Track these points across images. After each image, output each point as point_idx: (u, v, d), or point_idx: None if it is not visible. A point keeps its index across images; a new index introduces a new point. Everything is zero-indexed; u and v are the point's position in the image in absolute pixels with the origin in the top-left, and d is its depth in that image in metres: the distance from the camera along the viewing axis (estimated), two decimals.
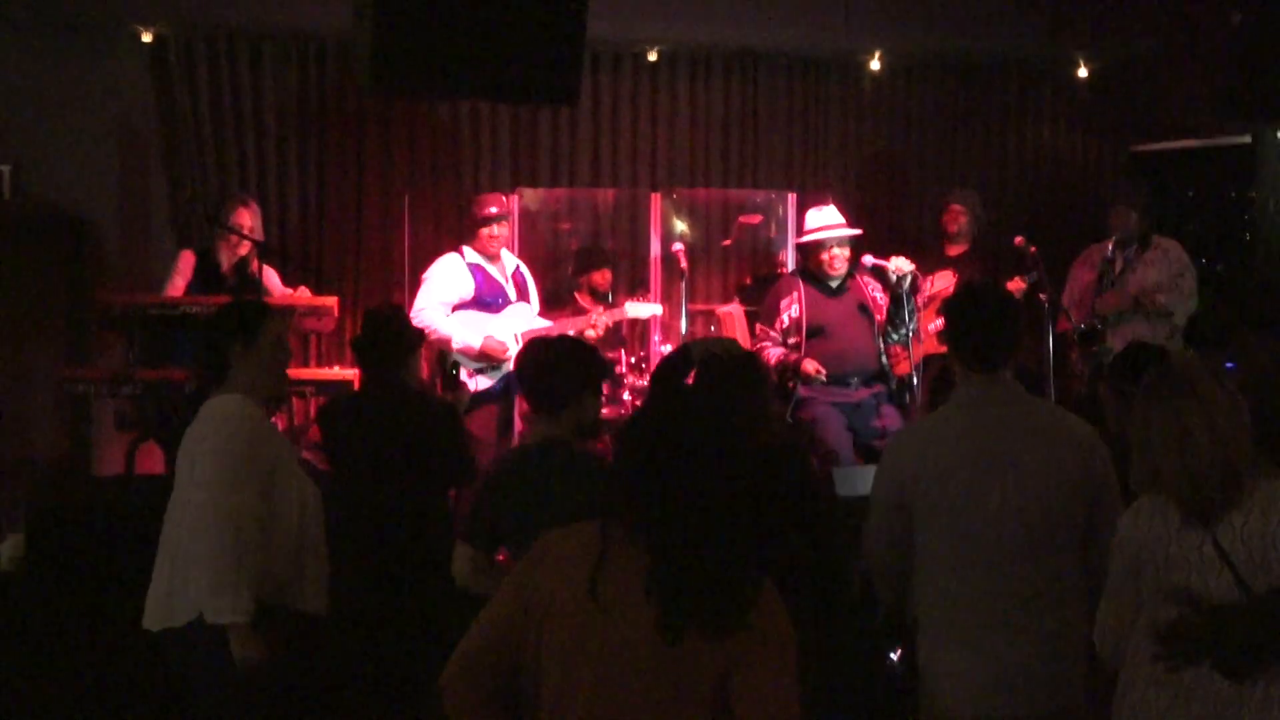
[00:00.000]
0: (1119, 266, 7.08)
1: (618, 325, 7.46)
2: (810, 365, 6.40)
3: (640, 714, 2.37)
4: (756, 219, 8.09)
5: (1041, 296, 6.70)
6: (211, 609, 3.55)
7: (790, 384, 6.47)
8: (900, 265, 6.52)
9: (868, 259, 6.68)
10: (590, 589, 2.40)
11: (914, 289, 6.58)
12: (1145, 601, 2.97)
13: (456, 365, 6.07)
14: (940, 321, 6.95)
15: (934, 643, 3.42)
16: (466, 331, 6.66)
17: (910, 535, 3.44)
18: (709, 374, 4.04)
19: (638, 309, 7.12)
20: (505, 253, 7.01)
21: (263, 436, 3.79)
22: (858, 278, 6.72)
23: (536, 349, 3.92)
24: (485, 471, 3.97)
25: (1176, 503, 2.93)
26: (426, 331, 6.22)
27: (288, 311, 6.20)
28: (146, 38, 7.40)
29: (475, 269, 6.80)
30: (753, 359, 4.28)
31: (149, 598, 3.74)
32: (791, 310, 6.55)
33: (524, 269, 7.11)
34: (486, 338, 6.66)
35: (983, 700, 3.33)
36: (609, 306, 7.35)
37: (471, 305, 6.76)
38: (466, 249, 6.87)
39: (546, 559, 2.50)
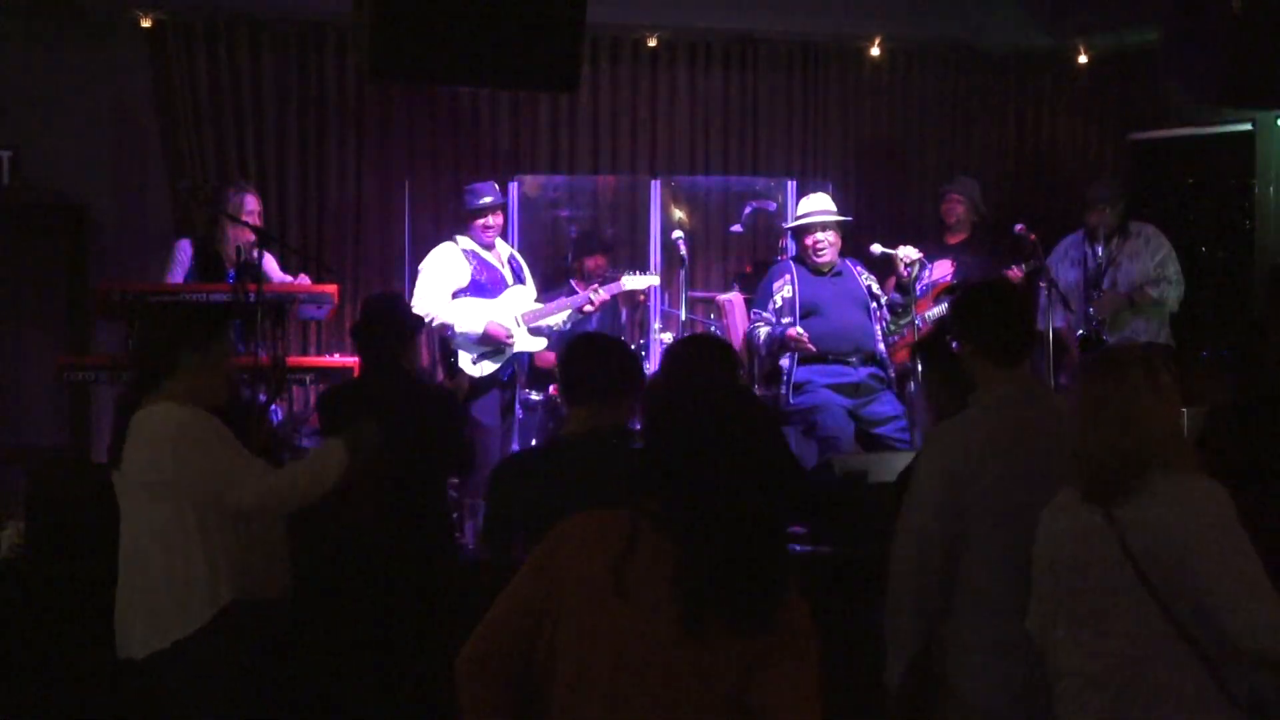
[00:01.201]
0: (1104, 262, 7.07)
1: (617, 314, 7.44)
2: (794, 331, 6.40)
3: (659, 708, 2.32)
4: (771, 205, 8.07)
5: (1042, 284, 6.70)
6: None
7: (783, 360, 6.48)
8: (909, 254, 6.55)
9: (875, 248, 6.69)
10: (615, 578, 2.34)
11: (918, 277, 6.61)
12: (1063, 600, 2.95)
13: (455, 354, 6.06)
14: (938, 309, 6.98)
15: (964, 646, 3.37)
16: (468, 318, 6.65)
17: (958, 540, 3.35)
18: (677, 356, 4.04)
19: (635, 280, 7.10)
20: (499, 240, 6.99)
21: (229, 437, 3.75)
22: (849, 265, 6.74)
23: (588, 342, 3.83)
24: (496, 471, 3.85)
25: (1080, 481, 2.92)
26: (428, 319, 6.23)
27: (288, 298, 6.19)
28: (146, 23, 7.38)
29: (471, 255, 6.79)
30: (721, 343, 4.29)
31: (126, 626, 3.70)
32: (784, 291, 6.58)
33: (518, 256, 7.10)
34: (489, 323, 6.65)
35: (1012, 704, 3.29)
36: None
37: (469, 292, 6.75)
38: (461, 237, 6.86)
39: (569, 544, 2.42)
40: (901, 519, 3.42)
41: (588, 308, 6.91)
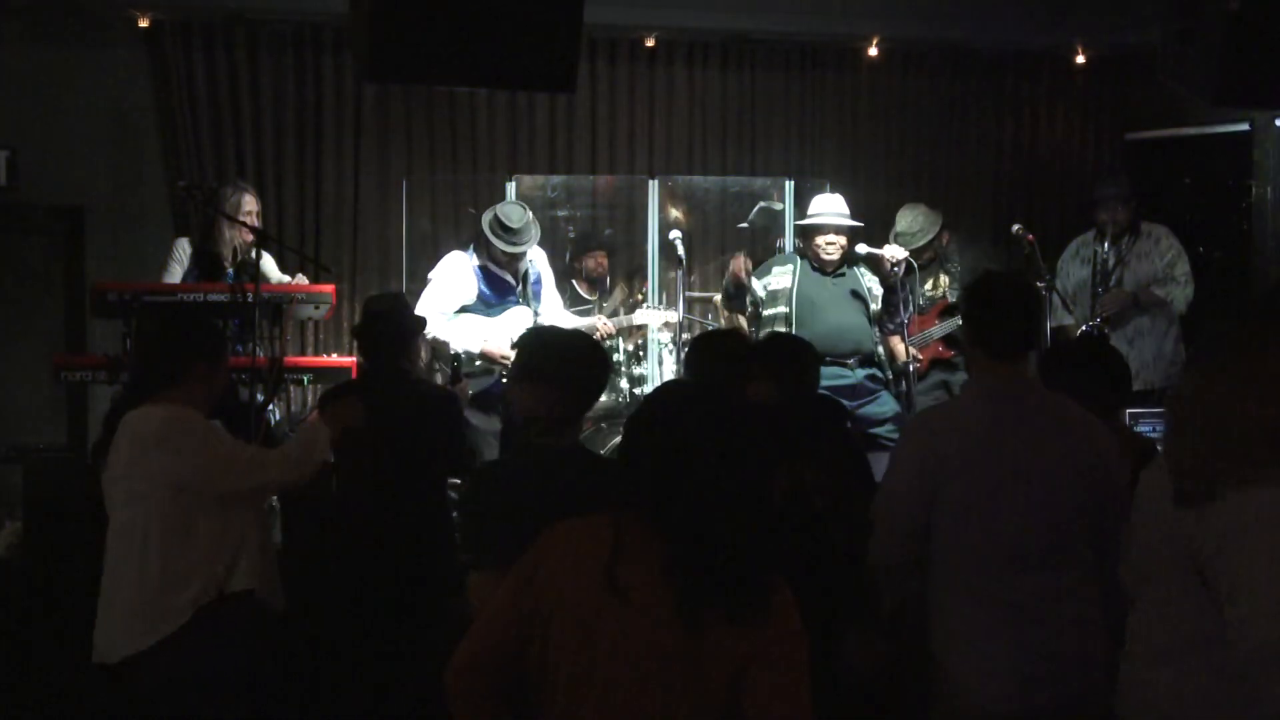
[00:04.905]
0: (1113, 261, 7.07)
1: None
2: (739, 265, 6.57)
3: (657, 706, 2.35)
4: (778, 205, 8.05)
5: (1039, 285, 6.70)
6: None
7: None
8: (894, 253, 6.55)
9: (861, 248, 6.70)
10: (607, 580, 2.37)
11: (908, 275, 6.62)
12: (1139, 582, 2.83)
13: (458, 356, 6.02)
14: (941, 327, 6.99)
15: (949, 636, 3.38)
16: (466, 337, 6.54)
17: (928, 528, 3.38)
18: (695, 352, 4.04)
19: (649, 315, 7.06)
20: None
21: (216, 429, 3.83)
22: (853, 269, 6.76)
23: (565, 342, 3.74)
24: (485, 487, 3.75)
25: (1170, 480, 2.65)
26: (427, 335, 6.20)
27: (286, 298, 6.18)
28: (143, 23, 7.38)
29: (480, 270, 6.62)
30: (736, 334, 4.28)
31: (118, 627, 3.68)
32: (784, 279, 6.59)
33: (541, 269, 6.88)
34: (485, 342, 6.56)
35: (1000, 692, 3.29)
36: (609, 297, 7.30)
37: (475, 307, 6.65)
38: (476, 249, 6.65)
39: (554, 553, 2.46)
40: (876, 502, 3.49)
41: (595, 336, 6.85)
